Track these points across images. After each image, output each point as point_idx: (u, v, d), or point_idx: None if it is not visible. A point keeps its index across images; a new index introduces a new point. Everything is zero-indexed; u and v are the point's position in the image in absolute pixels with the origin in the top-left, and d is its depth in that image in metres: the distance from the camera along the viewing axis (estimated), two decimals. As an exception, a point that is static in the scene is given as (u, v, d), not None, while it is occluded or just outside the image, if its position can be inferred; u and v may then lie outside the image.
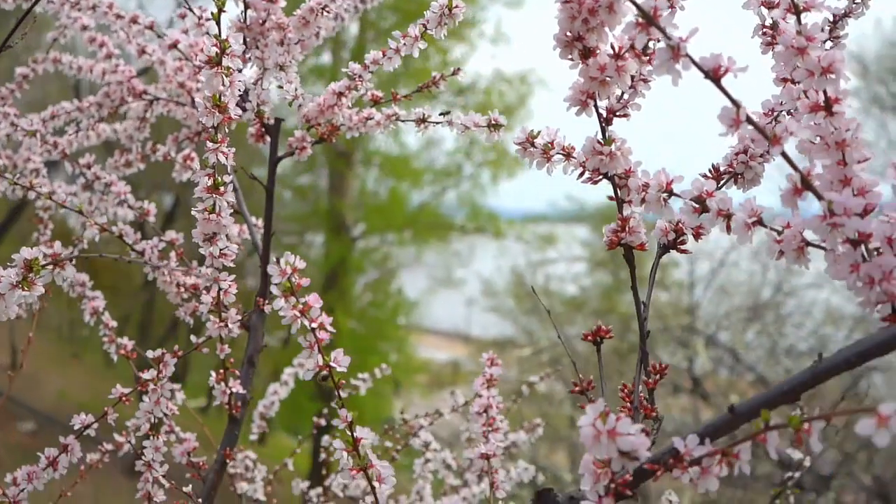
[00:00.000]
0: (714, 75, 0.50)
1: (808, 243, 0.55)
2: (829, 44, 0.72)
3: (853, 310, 7.15)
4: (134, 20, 1.08)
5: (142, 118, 1.18)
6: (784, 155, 0.51)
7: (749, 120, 0.50)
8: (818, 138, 0.54)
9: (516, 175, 11.64)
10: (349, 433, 0.64)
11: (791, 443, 1.14)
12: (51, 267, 0.66)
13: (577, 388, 0.57)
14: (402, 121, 0.97)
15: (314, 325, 0.62)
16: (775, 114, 0.69)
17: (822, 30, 0.69)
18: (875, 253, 0.51)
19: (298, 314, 0.61)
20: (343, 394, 0.64)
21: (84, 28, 1.18)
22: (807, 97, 0.55)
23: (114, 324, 1.10)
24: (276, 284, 0.60)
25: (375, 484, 0.64)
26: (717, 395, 6.25)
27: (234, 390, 0.97)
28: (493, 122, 0.82)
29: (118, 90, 1.18)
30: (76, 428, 0.90)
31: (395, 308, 11.53)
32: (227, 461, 0.98)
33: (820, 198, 0.51)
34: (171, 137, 1.18)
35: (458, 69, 0.99)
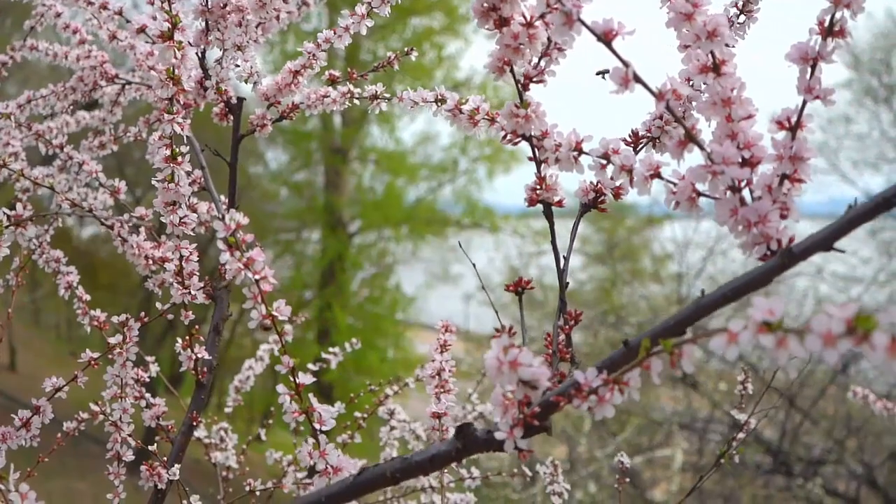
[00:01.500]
0: (606, 38, 0.55)
1: (700, 193, 0.60)
2: (742, 17, 0.77)
3: (842, 298, 7.21)
4: (104, 6, 1.13)
5: (114, 101, 1.23)
6: (670, 110, 0.56)
7: (636, 78, 0.55)
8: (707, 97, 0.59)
9: (512, 170, 11.69)
10: (292, 379, 0.69)
11: (736, 406, 1.19)
12: (13, 227, 0.71)
13: (498, 334, 0.62)
14: (358, 98, 1.02)
15: (258, 276, 0.67)
16: (691, 81, 0.74)
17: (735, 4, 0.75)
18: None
19: (243, 266, 0.66)
20: (285, 340, 0.69)
21: (58, 15, 1.23)
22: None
23: (87, 297, 1.15)
24: (220, 239, 0.65)
25: (317, 425, 0.69)
26: (708, 386, 6.32)
27: (199, 356, 1.02)
28: (439, 97, 0.87)
29: (91, 74, 1.23)
30: (47, 390, 0.95)
31: (392, 304, 11.59)
32: (195, 424, 1.04)
33: (702, 149, 0.56)
34: (142, 119, 1.23)
35: (412, 49, 1.04)
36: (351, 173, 12.29)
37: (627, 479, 1.18)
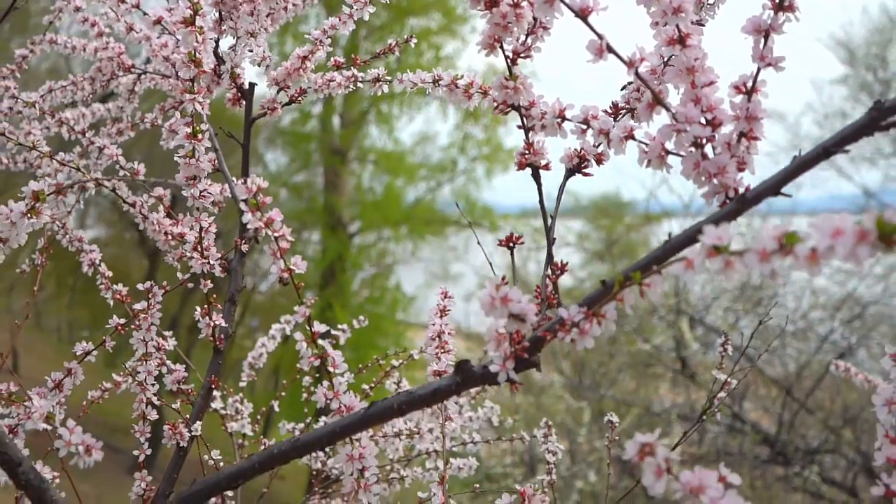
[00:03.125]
0: (582, 14, 0.63)
1: (668, 151, 0.67)
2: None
3: (836, 290, 7.29)
4: (122, 0, 1.21)
5: (131, 90, 1.31)
6: (639, 76, 0.64)
7: (609, 49, 0.63)
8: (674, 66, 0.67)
9: (511, 169, 11.77)
10: (308, 327, 0.77)
11: (716, 366, 1.26)
12: (55, 195, 0.78)
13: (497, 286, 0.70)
14: (361, 82, 1.10)
15: (276, 234, 0.74)
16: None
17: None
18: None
19: (263, 225, 0.74)
20: (302, 292, 0.77)
21: (77, 9, 1.31)
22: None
23: (109, 273, 1.22)
24: (242, 201, 0.73)
25: (331, 369, 0.77)
26: (706, 376, 6.39)
27: (217, 324, 1.09)
28: (436, 78, 0.95)
29: (109, 65, 1.31)
30: (78, 353, 1.03)
31: (392, 304, 11.65)
32: (213, 387, 1.11)
33: (668, 110, 0.64)
34: (157, 107, 1.31)
35: (411, 37, 1.12)
36: (350, 174, 12.36)
37: (616, 438, 1.26)
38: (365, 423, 0.71)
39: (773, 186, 0.60)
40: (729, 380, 1.19)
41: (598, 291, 0.65)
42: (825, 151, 0.58)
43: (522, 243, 0.79)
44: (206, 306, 1.08)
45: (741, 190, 0.63)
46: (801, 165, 0.59)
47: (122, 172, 1.21)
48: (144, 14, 1.20)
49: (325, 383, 0.77)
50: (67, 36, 1.37)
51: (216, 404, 1.41)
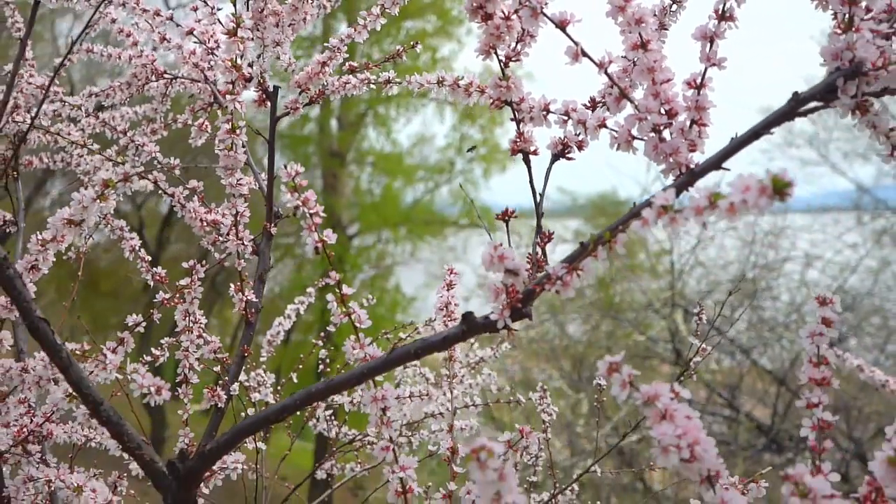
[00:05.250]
0: (562, 25, 0.78)
1: (633, 136, 0.82)
2: (674, 6, 0.99)
3: (828, 282, 7.45)
4: (157, 13, 1.36)
5: (164, 94, 1.45)
6: (608, 76, 0.79)
7: (584, 53, 0.78)
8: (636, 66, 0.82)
9: (508, 169, 11.91)
10: (338, 291, 0.92)
11: (693, 334, 1.40)
12: (122, 182, 0.93)
13: (496, 246, 0.84)
14: (373, 84, 1.25)
15: (311, 211, 0.89)
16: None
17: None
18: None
19: (301, 204, 0.89)
20: (332, 259, 0.91)
21: (113, 21, 1.45)
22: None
23: (149, 258, 1.37)
24: (284, 182, 0.88)
25: (357, 324, 0.91)
26: (701, 368, 6.54)
27: (248, 299, 1.24)
28: (440, 79, 1.10)
29: (143, 72, 1.45)
30: (130, 324, 1.17)
31: (392, 305, 11.78)
32: (245, 355, 1.26)
33: (632, 102, 0.79)
34: (188, 108, 1.45)
35: (416, 42, 1.27)
36: (348, 176, 12.50)
37: (598, 400, 1.41)
38: (388, 365, 0.86)
39: (715, 163, 0.74)
40: (703, 346, 1.33)
41: (576, 251, 0.80)
42: (755, 133, 0.73)
43: (517, 217, 0.94)
44: (239, 283, 1.23)
45: (692, 167, 0.78)
46: (737, 145, 0.74)
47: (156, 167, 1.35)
48: (178, 25, 1.35)
49: (352, 337, 0.92)
50: (103, 45, 1.52)
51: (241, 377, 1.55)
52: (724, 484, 0.65)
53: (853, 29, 0.71)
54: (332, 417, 1.79)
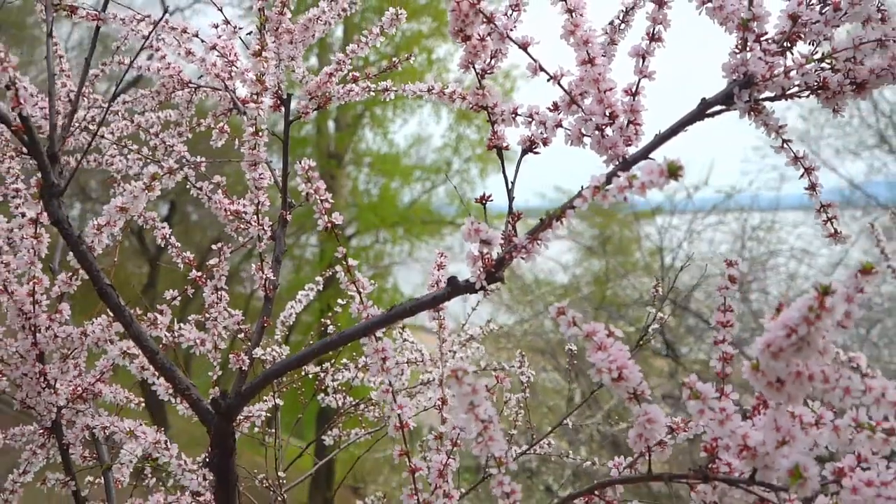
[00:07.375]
0: (523, 46, 0.98)
1: (583, 134, 1.02)
2: (622, 25, 1.20)
3: (814, 274, 7.66)
4: (184, 31, 1.56)
5: (189, 101, 1.65)
6: (560, 86, 0.99)
7: (541, 68, 0.98)
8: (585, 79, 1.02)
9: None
10: (345, 262, 1.12)
11: (648, 302, 1.61)
12: (167, 175, 1.13)
13: (473, 221, 1.05)
14: (374, 91, 1.45)
15: (322, 198, 1.09)
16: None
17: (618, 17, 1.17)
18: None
19: (313, 192, 1.09)
20: (342, 238, 1.11)
21: (145, 38, 1.65)
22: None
23: (178, 245, 1.57)
24: (298, 175, 1.08)
25: (361, 290, 1.12)
26: (690, 357, 6.77)
27: (268, 277, 1.44)
28: (430, 87, 1.30)
29: (170, 82, 1.65)
30: (167, 297, 1.37)
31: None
32: (265, 326, 1.46)
33: (579, 107, 0.99)
34: (211, 113, 1.65)
35: (410, 55, 1.47)
36: (346, 177, 12.69)
37: (571, 369, 1.61)
38: (388, 320, 1.06)
39: (643, 154, 0.95)
40: (661, 316, 1.53)
41: (537, 225, 1.00)
42: (672, 131, 0.93)
43: (492, 200, 1.14)
44: (260, 263, 1.43)
45: (628, 157, 0.98)
46: (659, 140, 0.94)
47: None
48: (202, 41, 1.55)
49: (357, 299, 1.12)
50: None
51: (256, 351, 1.76)
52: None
53: (747, 49, 0.91)
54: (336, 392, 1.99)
